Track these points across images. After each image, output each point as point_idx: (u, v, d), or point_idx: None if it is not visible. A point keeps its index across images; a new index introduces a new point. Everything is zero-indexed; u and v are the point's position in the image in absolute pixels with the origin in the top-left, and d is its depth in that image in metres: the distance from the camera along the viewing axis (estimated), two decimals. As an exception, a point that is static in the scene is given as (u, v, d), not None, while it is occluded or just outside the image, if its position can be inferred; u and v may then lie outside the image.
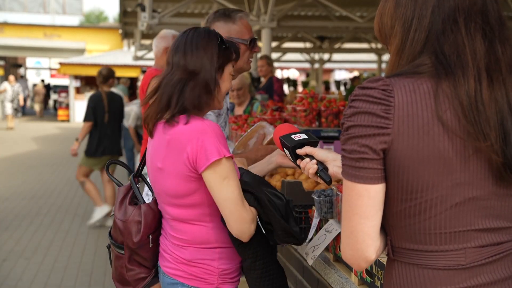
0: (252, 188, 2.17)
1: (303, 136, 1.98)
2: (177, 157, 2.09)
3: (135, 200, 2.34)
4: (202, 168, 2.05)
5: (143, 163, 2.40)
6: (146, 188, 2.53)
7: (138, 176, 2.40)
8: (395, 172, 1.33)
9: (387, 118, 1.31)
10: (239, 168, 2.28)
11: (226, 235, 2.18)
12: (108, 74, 7.51)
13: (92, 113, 7.47)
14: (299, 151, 1.94)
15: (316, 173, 1.90)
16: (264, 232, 2.22)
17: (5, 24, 29.59)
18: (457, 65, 1.32)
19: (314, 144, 1.97)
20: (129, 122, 9.77)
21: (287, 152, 2.00)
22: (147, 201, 2.35)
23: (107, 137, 7.47)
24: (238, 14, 2.85)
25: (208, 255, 2.18)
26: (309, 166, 1.90)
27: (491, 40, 1.34)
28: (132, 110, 9.83)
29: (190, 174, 2.09)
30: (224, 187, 2.06)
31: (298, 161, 1.96)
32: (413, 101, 1.31)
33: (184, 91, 2.13)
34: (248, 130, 3.05)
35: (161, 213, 2.29)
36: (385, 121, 1.31)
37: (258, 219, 2.19)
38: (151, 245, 2.27)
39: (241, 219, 2.09)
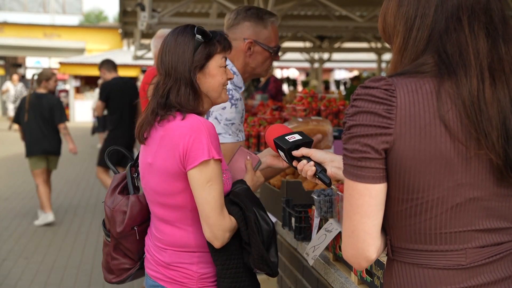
0: (243, 202, 2.12)
1: (297, 136, 1.94)
2: (169, 153, 2.06)
3: (127, 190, 2.31)
4: (189, 166, 2.03)
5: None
6: None
7: (135, 166, 2.35)
8: (396, 172, 1.33)
9: (390, 118, 1.30)
10: (239, 180, 2.24)
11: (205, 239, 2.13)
12: (40, 77, 7.65)
13: (18, 114, 7.75)
14: (295, 153, 1.90)
15: (314, 175, 1.88)
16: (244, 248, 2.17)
17: (5, 23, 29.56)
18: (460, 64, 1.31)
19: (308, 145, 1.93)
20: None
21: (282, 154, 1.95)
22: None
23: (35, 137, 7.53)
24: (270, 19, 2.78)
25: (186, 259, 2.14)
26: (307, 168, 1.87)
27: (494, 39, 1.34)
28: None
29: (179, 171, 2.05)
30: (206, 190, 2.03)
31: (294, 163, 1.92)
32: (415, 101, 1.30)
33: (168, 95, 2.09)
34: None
35: (147, 207, 2.25)
36: (388, 121, 1.30)
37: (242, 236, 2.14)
38: (137, 237, 2.23)
39: (216, 225, 2.05)
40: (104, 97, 7.56)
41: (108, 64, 7.72)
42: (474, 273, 1.34)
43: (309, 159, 1.88)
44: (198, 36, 2.11)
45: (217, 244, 2.08)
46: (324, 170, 1.86)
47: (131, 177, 2.32)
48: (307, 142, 1.93)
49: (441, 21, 1.35)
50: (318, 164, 1.87)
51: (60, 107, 7.69)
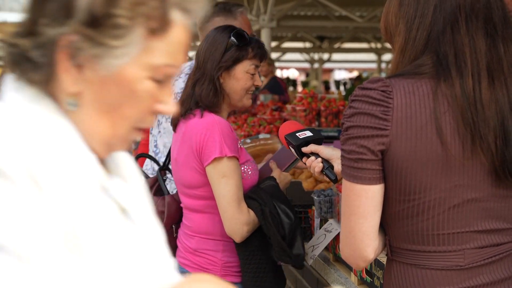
0: (260, 198, 2.18)
1: (308, 133, 1.97)
2: (188, 150, 2.16)
3: (161, 192, 2.41)
4: (205, 163, 2.12)
5: (169, 157, 2.47)
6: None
7: (164, 169, 2.47)
8: (393, 173, 1.33)
9: (386, 119, 1.30)
10: (269, 177, 2.30)
11: None
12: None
13: None
14: (304, 149, 1.92)
15: (321, 171, 1.90)
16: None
17: (4, 23, 29.60)
18: (455, 65, 1.30)
19: (319, 141, 1.97)
20: None
21: (292, 150, 2.00)
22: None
23: None
24: (238, 10, 2.84)
25: (212, 246, 2.22)
26: (315, 164, 1.88)
27: (493, 39, 1.32)
28: None
29: (199, 166, 2.15)
30: (222, 185, 2.11)
31: (304, 159, 1.95)
32: (411, 103, 1.30)
33: (194, 88, 2.20)
34: (261, 142, 3.02)
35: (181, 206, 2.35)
36: (384, 123, 1.30)
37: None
38: (175, 235, 2.32)
39: (233, 219, 2.12)
40: None
41: None
42: (473, 274, 1.34)
43: (317, 155, 1.90)
44: (233, 39, 2.19)
45: (237, 238, 2.15)
46: (331, 166, 1.88)
47: (162, 179, 2.43)
48: (317, 138, 1.96)
49: (439, 22, 1.34)
50: (325, 161, 1.89)
51: None
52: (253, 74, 2.24)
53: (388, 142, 1.31)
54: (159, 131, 2.91)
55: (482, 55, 1.31)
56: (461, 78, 1.29)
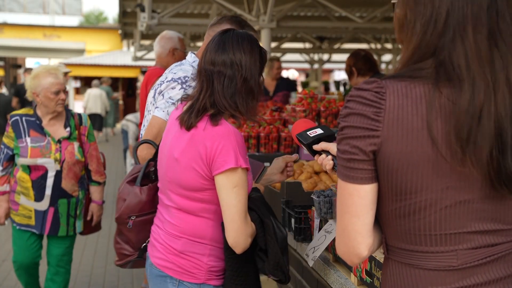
0: (259, 209, 2.17)
1: (319, 131, 1.99)
2: (195, 153, 2.10)
3: (134, 181, 2.41)
4: (216, 171, 2.08)
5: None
6: None
7: (154, 161, 2.42)
8: (385, 173, 1.34)
9: (378, 120, 1.31)
10: (254, 188, 2.28)
11: (221, 236, 2.17)
12: None
13: None
14: (315, 147, 1.94)
15: (333, 168, 1.92)
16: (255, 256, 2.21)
17: (4, 24, 29.55)
18: (455, 72, 1.29)
19: (330, 138, 1.99)
20: (129, 140, 9.58)
21: (305, 148, 2.02)
22: None
23: None
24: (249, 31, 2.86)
25: (199, 250, 2.18)
26: (325, 162, 1.90)
27: (497, 46, 1.30)
28: (128, 127, 9.61)
29: (206, 172, 2.10)
30: (233, 195, 2.08)
31: (316, 157, 1.97)
32: (404, 105, 1.30)
33: (234, 93, 2.15)
34: None
35: (149, 201, 2.32)
36: (375, 124, 1.31)
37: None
38: (129, 226, 2.34)
39: (240, 230, 2.09)
40: (15, 93, 11.05)
41: (29, 70, 10.68)
42: (466, 274, 1.34)
43: (328, 153, 1.91)
44: (262, 50, 2.28)
45: (239, 250, 2.12)
46: None
47: (146, 171, 2.40)
48: (328, 136, 1.98)
49: (450, 28, 1.32)
50: (336, 158, 1.91)
51: None
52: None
53: (380, 143, 1.32)
54: (144, 125, 2.96)
55: (484, 64, 1.29)
56: (460, 86, 1.28)
